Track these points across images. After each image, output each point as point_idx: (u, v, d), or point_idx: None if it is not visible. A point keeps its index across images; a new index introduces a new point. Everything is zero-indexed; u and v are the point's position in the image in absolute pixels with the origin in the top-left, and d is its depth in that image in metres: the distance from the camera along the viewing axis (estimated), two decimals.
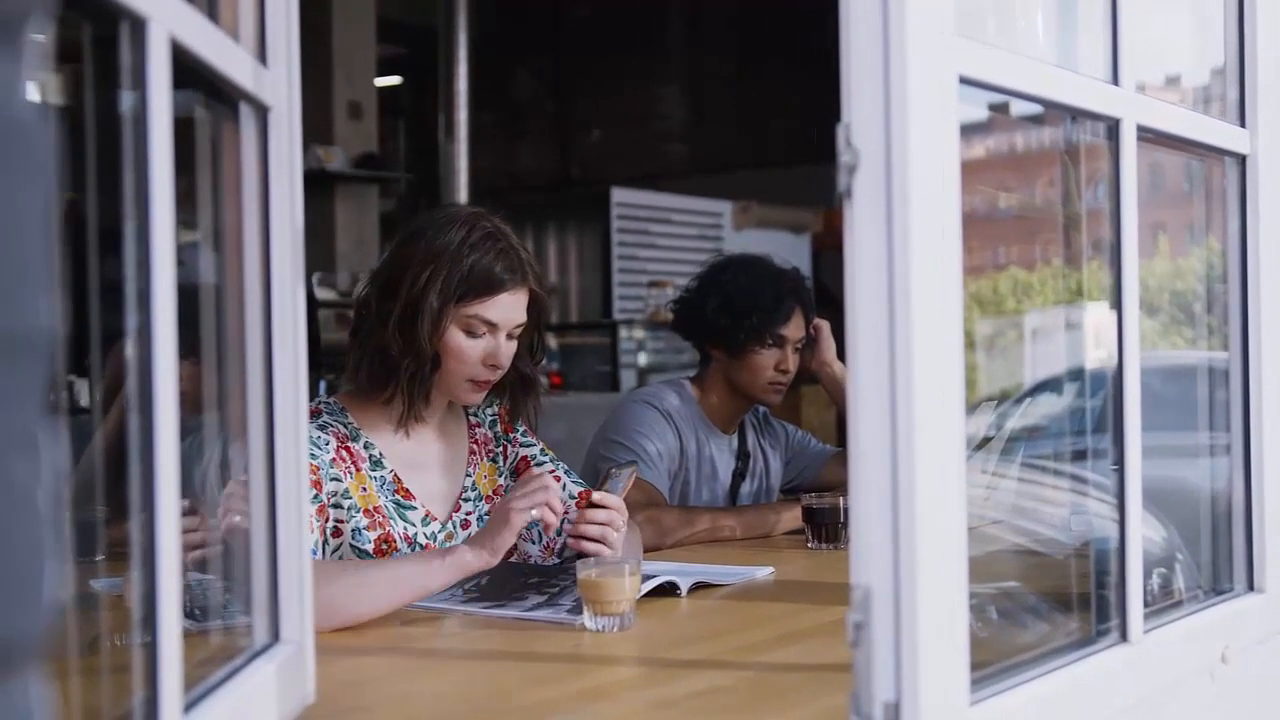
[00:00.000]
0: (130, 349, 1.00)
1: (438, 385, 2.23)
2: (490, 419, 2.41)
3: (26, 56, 0.54)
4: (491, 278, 2.17)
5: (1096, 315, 1.88)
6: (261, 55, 1.34)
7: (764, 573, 2.33)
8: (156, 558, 1.00)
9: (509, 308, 2.20)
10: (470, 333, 2.18)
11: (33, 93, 0.55)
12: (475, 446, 2.37)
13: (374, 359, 2.19)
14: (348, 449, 2.18)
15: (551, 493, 2.00)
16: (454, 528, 2.27)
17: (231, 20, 1.29)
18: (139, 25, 0.98)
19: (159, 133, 1.00)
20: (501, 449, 2.40)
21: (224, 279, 1.36)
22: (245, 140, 1.33)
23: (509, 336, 2.22)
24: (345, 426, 2.21)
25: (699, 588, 2.16)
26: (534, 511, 1.97)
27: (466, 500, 2.32)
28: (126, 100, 1.01)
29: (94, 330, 1.03)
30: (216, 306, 1.35)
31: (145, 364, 0.99)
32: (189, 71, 1.11)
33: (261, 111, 1.33)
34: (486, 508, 2.32)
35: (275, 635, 1.36)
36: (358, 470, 2.17)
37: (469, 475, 2.33)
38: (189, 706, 1.08)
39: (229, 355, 1.35)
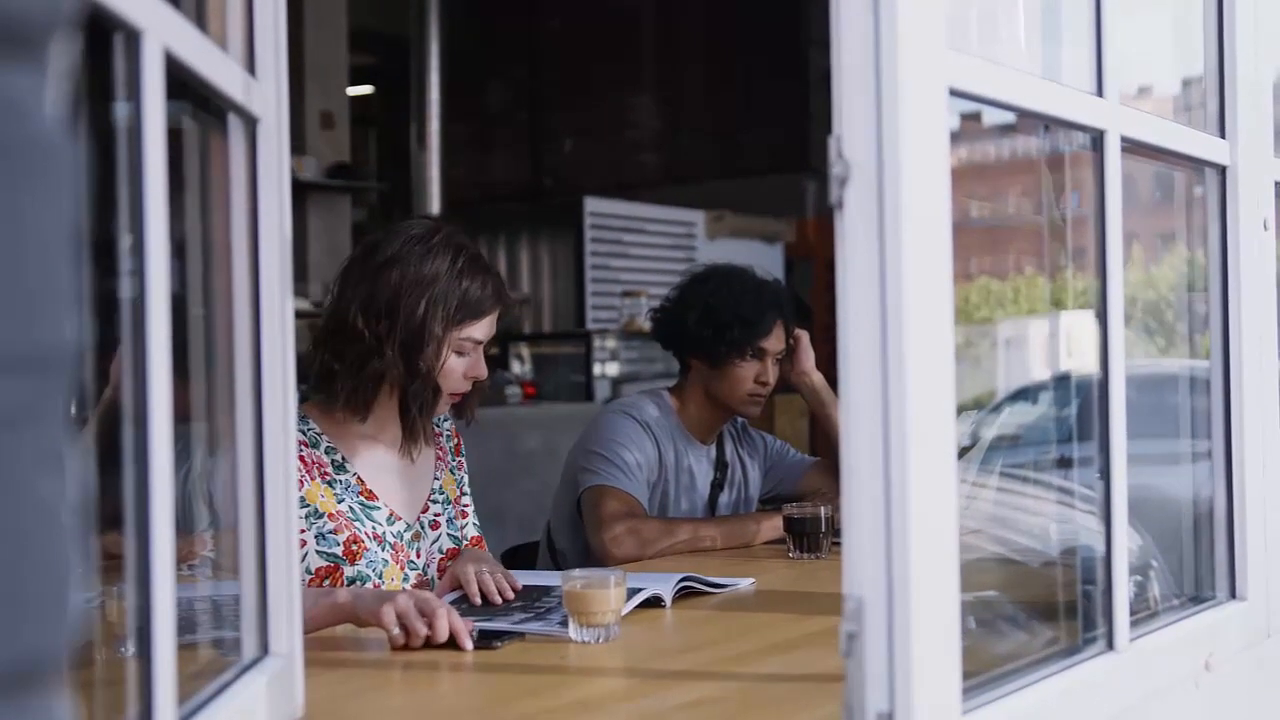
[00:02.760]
0: (124, 360, 1.00)
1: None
2: (446, 433, 2.49)
3: (50, 72, 0.53)
4: (484, 301, 2.27)
5: (1070, 324, 1.89)
6: (250, 66, 1.33)
7: (746, 583, 2.34)
8: (151, 572, 0.99)
9: (492, 325, 2.31)
10: (460, 352, 2.27)
11: (56, 108, 0.55)
12: (440, 453, 2.44)
13: (371, 384, 2.24)
14: (302, 458, 2.21)
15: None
16: (422, 527, 2.34)
17: (220, 31, 1.29)
18: (133, 37, 0.98)
19: (153, 144, 1.00)
20: (457, 463, 2.49)
21: (211, 290, 1.35)
22: (234, 151, 1.33)
23: (485, 349, 2.32)
24: (304, 433, 2.25)
25: (685, 594, 2.16)
26: (394, 631, 1.82)
27: (435, 502, 2.39)
28: (120, 111, 1.00)
29: (86, 343, 1.02)
30: (204, 317, 1.34)
31: (139, 375, 0.99)
32: (177, 82, 1.10)
33: (250, 123, 1.33)
34: (453, 511, 2.41)
35: (264, 648, 1.35)
36: (312, 478, 2.22)
37: (436, 479, 2.41)
38: None
39: (216, 366, 1.35)
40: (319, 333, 2.29)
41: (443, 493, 2.41)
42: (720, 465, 3.13)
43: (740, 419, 3.18)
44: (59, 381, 0.54)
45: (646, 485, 2.92)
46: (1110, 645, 1.51)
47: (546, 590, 2.18)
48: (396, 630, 1.82)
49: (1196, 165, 1.82)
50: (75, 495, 0.55)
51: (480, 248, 2.37)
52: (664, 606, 2.10)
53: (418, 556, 2.31)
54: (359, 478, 2.27)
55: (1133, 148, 1.59)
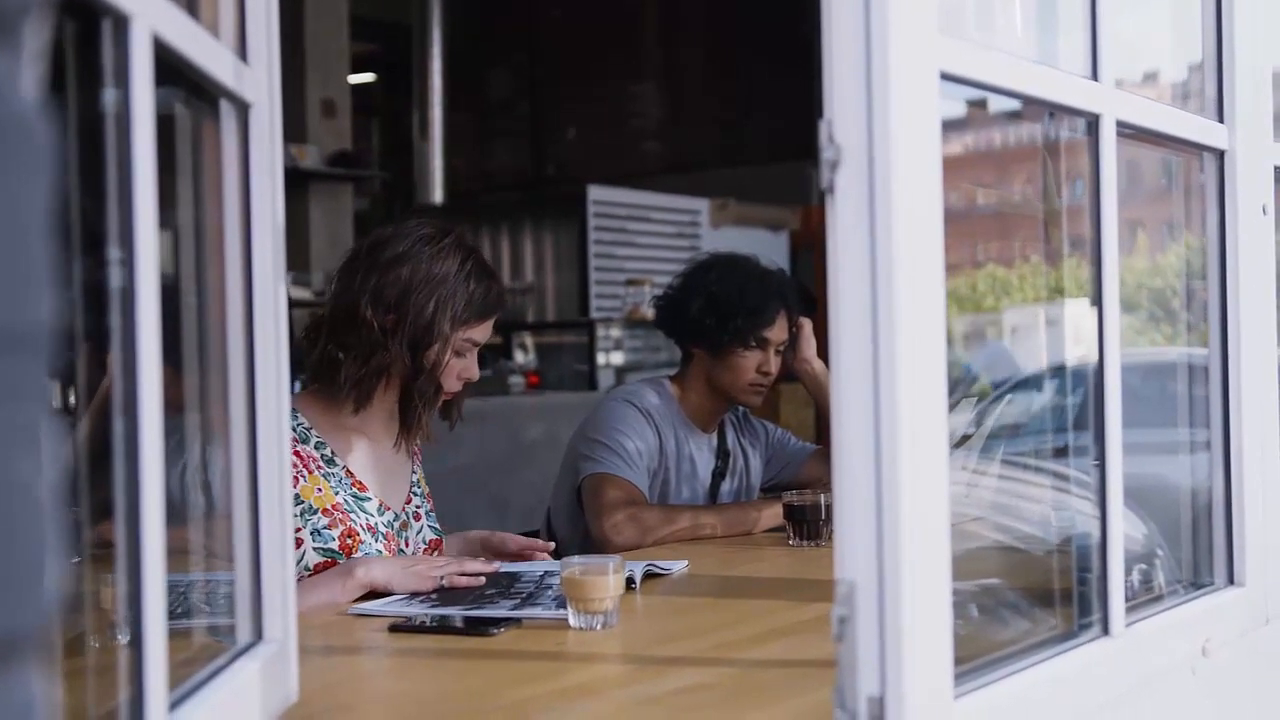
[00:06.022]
0: (114, 350, 1.00)
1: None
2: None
3: (25, 52, 0.53)
4: (488, 305, 2.31)
5: (1075, 312, 1.89)
6: (242, 52, 1.33)
7: (680, 565, 2.36)
8: (141, 559, 0.99)
9: (489, 329, 2.35)
10: (458, 353, 2.30)
11: (31, 88, 0.55)
12: (415, 449, 2.48)
13: (374, 376, 2.26)
14: (297, 453, 2.22)
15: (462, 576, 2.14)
16: (407, 517, 2.39)
17: (211, 17, 1.28)
18: (122, 22, 0.98)
19: (141, 130, 1.00)
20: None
21: (203, 278, 1.35)
22: (226, 138, 1.32)
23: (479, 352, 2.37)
24: (294, 429, 2.26)
25: (647, 578, 2.20)
26: (444, 581, 2.11)
27: (416, 494, 2.44)
28: (108, 97, 1.00)
29: (76, 331, 1.02)
30: (196, 306, 1.34)
31: (129, 365, 0.99)
32: (168, 68, 1.10)
33: (242, 109, 1.33)
34: (429, 505, 2.47)
35: (258, 634, 1.35)
36: (310, 472, 2.23)
37: (414, 472, 2.46)
38: (173, 705, 1.08)
39: (209, 356, 1.35)
40: (320, 321, 2.30)
41: (420, 486, 2.46)
42: (722, 454, 3.13)
43: (742, 407, 3.17)
44: (35, 360, 0.54)
45: (647, 473, 2.92)
46: (1105, 630, 1.51)
47: (517, 577, 2.19)
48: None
49: (1194, 150, 1.81)
50: (52, 473, 0.55)
51: (484, 240, 2.40)
52: (634, 589, 2.11)
53: (406, 545, 2.35)
54: (348, 470, 2.30)
55: (1129, 132, 1.58)
